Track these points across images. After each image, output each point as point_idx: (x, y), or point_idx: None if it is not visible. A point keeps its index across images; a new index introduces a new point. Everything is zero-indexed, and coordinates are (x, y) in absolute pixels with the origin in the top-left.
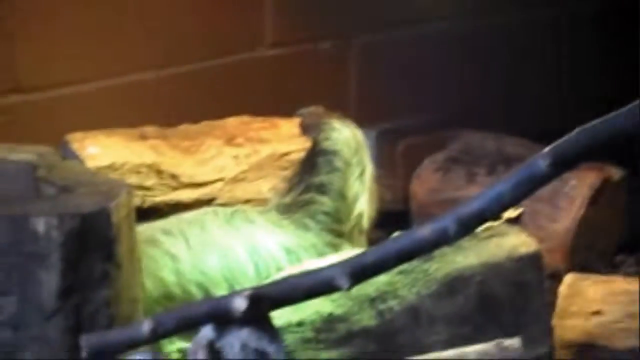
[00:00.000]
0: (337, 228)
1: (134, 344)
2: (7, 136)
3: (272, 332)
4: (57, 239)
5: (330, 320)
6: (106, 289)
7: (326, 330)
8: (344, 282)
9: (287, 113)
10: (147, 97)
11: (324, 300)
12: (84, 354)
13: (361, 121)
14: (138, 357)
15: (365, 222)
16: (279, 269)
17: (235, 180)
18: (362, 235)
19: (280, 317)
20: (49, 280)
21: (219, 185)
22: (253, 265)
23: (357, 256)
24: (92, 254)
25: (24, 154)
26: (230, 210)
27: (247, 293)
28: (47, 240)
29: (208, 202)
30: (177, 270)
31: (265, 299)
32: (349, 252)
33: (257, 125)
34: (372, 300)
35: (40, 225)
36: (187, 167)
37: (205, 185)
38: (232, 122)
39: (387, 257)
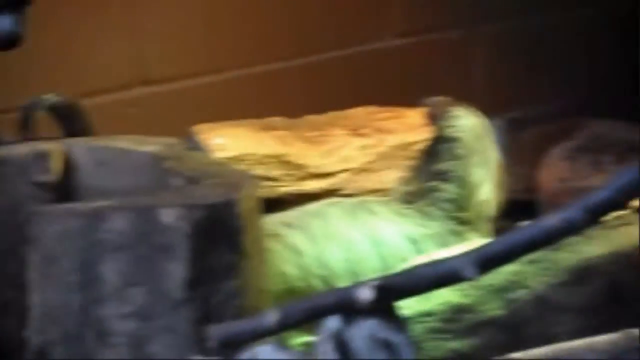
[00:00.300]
0: (460, 215)
1: (260, 335)
2: (135, 128)
3: (399, 323)
4: (184, 230)
5: (457, 310)
6: (233, 279)
7: (453, 321)
8: (471, 272)
9: (414, 103)
10: (275, 88)
11: (451, 290)
12: (211, 344)
13: (488, 110)
14: (262, 351)
15: (490, 210)
16: (404, 260)
17: (361, 170)
18: (486, 223)
19: (406, 307)
20: (177, 271)
21: (345, 175)
22: (377, 256)
23: (485, 246)
24: (219, 244)
25: (152, 145)
26: (352, 202)
27: (373, 283)
28: (175, 231)
29: (334, 192)
30: (300, 264)
31: (392, 289)
32: (475, 241)
33: (383, 115)
34: (500, 290)
35: (167, 216)
36: (313, 157)
37: (331, 176)
38: (358, 112)
39: (515, 247)
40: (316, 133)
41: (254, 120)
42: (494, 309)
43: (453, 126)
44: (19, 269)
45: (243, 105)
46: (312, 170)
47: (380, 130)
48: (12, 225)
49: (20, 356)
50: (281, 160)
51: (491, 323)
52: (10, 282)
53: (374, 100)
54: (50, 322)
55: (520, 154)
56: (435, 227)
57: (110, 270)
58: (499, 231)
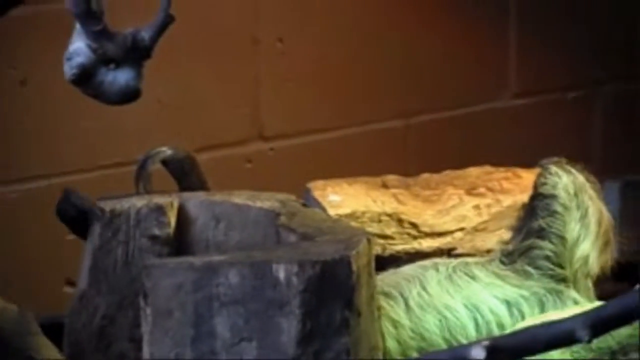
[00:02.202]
0: (558, 273)
1: None
2: (251, 183)
3: None
4: (297, 286)
5: None
6: (346, 336)
7: None
8: (584, 334)
9: (530, 164)
10: (390, 145)
11: (563, 352)
12: None
13: (605, 172)
14: None
15: (592, 268)
16: (500, 325)
17: (476, 230)
18: (587, 280)
19: None
20: (289, 327)
21: (459, 235)
22: (473, 323)
23: (599, 308)
24: (332, 301)
25: (266, 201)
26: (451, 265)
27: (485, 343)
28: (288, 287)
29: (448, 251)
30: (398, 336)
31: (504, 350)
32: (586, 304)
33: (498, 175)
34: (614, 353)
35: (281, 272)
36: (427, 216)
37: (446, 235)
38: (473, 171)
39: (629, 310)
40: (431, 192)
41: (369, 178)
42: None
43: (547, 183)
44: (133, 322)
45: (358, 162)
46: (427, 229)
47: (495, 190)
48: (127, 277)
49: None
50: (396, 218)
51: None
52: (125, 334)
53: (490, 160)
54: None
55: (637, 217)
56: (532, 286)
57: (223, 325)
58: (614, 294)
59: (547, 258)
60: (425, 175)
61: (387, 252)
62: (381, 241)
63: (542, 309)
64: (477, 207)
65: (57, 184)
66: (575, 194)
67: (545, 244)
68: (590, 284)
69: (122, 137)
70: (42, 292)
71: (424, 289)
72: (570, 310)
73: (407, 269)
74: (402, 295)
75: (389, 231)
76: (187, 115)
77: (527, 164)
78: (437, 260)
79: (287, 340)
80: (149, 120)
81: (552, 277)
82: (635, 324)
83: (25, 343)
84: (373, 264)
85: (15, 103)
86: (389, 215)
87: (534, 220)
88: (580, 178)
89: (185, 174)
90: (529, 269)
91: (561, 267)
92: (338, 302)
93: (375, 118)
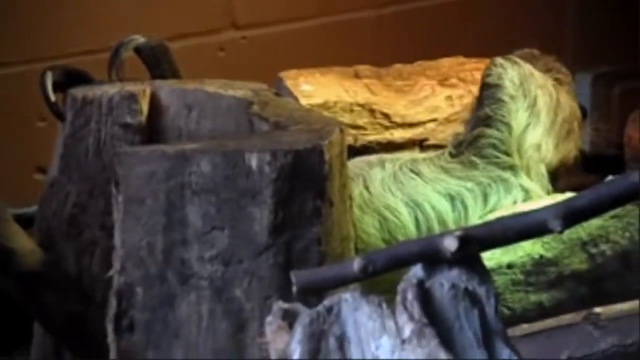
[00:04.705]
0: (505, 160)
1: (344, 282)
2: (223, 72)
3: (482, 274)
4: (269, 175)
5: (540, 263)
6: (317, 226)
7: (536, 273)
8: (556, 224)
9: (502, 54)
10: (364, 36)
11: (534, 243)
12: (294, 290)
13: (578, 64)
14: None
15: (545, 155)
16: (442, 222)
17: (448, 120)
18: (540, 168)
19: (490, 258)
20: (261, 216)
21: (431, 125)
22: (414, 221)
23: (570, 199)
24: (304, 191)
25: (239, 90)
26: (398, 162)
27: (458, 233)
28: (260, 176)
29: (420, 142)
30: None
31: (476, 240)
32: (561, 195)
33: (471, 66)
34: (584, 244)
35: (253, 160)
36: (400, 106)
37: (418, 126)
38: (446, 62)
39: (601, 201)
40: (403, 82)
41: (342, 68)
42: (578, 263)
43: (494, 74)
44: (105, 209)
45: (331, 52)
46: (399, 119)
47: (467, 81)
48: (99, 165)
49: (104, 296)
50: (368, 109)
51: (574, 277)
52: (96, 222)
53: (462, 51)
54: (133, 263)
55: (608, 109)
56: (477, 177)
57: (195, 213)
58: (585, 186)
59: (493, 146)
60: (398, 66)
61: (359, 143)
62: (353, 131)
63: (486, 200)
64: (449, 97)
65: (29, 70)
66: (521, 84)
67: (491, 131)
68: (544, 171)
69: (94, 25)
70: (12, 179)
71: (367, 188)
72: (542, 202)
73: (354, 165)
74: None
75: (360, 121)
76: (160, 3)
77: (501, 55)
78: (385, 156)
79: (258, 229)
80: (121, 8)
81: (497, 164)
82: (606, 215)
83: None
84: (345, 154)
85: None
86: (361, 105)
87: (481, 109)
88: (527, 69)
89: (157, 62)
90: (475, 159)
91: (507, 154)
92: (310, 191)
93: (348, 8)
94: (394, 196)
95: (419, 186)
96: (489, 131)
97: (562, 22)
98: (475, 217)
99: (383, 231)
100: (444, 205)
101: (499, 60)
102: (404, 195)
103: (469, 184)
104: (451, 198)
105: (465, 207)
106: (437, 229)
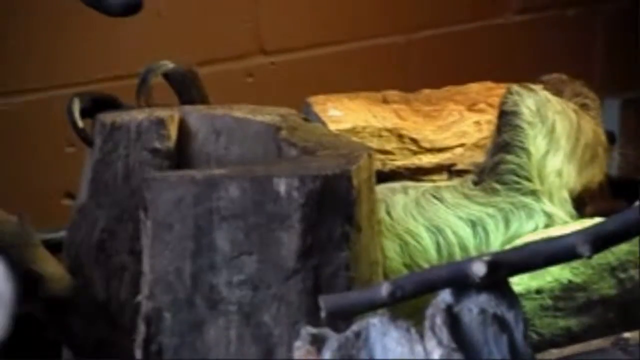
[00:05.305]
0: (525, 185)
1: (372, 307)
2: (251, 97)
3: (511, 299)
4: (297, 200)
5: (569, 288)
6: (345, 251)
7: (565, 299)
8: (585, 249)
9: (531, 80)
10: (392, 61)
11: (563, 268)
12: (322, 314)
13: (606, 89)
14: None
15: (568, 181)
16: (463, 247)
17: (476, 146)
18: (562, 193)
19: (518, 283)
20: (289, 241)
21: (459, 150)
22: (435, 246)
23: (599, 224)
24: (332, 216)
25: (267, 115)
26: (421, 189)
27: (486, 258)
28: (288, 201)
29: (449, 167)
30: None
31: (505, 265)
32: (588, 220)
33: (499, 92)
34: (613, 269)
35: (282, 186)
36: (428, 132)
37: (446, 151)
38: (474, 87)
39: (629, 226)
40: (432, 107)
41: (370, 93)
42: (607, 288)
43: (510, 101)
44: (133, 235)
45: (359, 77)
46: (427, 144)
47: (495, 106)
48: (127, 191)
49: (132, 321)
50: (396, 134)
51: (603, 302)
52: (125, 247)
53: (491, 76)
54: (162, 288)
55: (635, 134)
56: (499, 203)
57: (223, 238)
58: (612, 211)
59: (513, 172)
60: (426, 91)
61: (388, 168)
62: (381, 156)
63: (508, 225)
64: (477, 123)
65: (57, 96)
66: (538, 110)
67: (511, 157)
68: (567, 196)
69: (122, 50)
70: (41, 204)
71: (388, 213)
72: (569, 227)
73: (377, 191)
74: None
75: (389, 146)
76: (188, 28)
77: (529, 81)
78: (409, 183)
79: (287, 254)
80: (149, 33)
81: (518, 190)
82: (635, 240)
83: (25, 255)
84: (374, 179)
85: (14, 14)
86: (390, 130)
87: (499, 137)
88: (544, 95)
89: (186, 88)
90: (496, 185)
91: (528, 179)
92: (338, 216)
93: (377, 33)
94: (415, 221)
95: (440, 211)
96: (508, 157)
97: (591, 47)
98: (497, 243)
99: (404, 256)
100: (466, 231)
101: (515, 87)
102: (425, 220)
103: (491, 210)
104: (473, 224)
105: (487, 233)
106: (458, 254)
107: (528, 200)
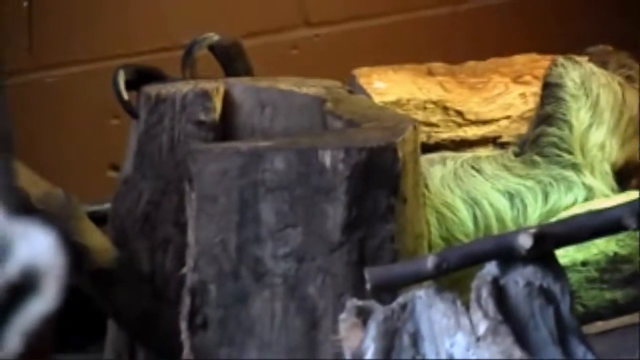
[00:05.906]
0: (567, 159)
1: (418, 279)
2: (296, 70)
3: (557, 271)
4: (343, 173)
5: (615, 261)
6: (391, 223)
7: (610, 271)
8: (631, 222)
9: (576, 52)
10: (437, 33)
11: (608, 241)
12: (367, 287)
13: None
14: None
15: (610, 155)
16: (500, 219)
17: (522, 118)
18: (604, 166)
19: (564, 256)
20: (334, 214)
21: (505, 123)
22: (472, 217)
23: None
24: (378, 188)
25: (312, 87)
26: (460, 159)
27: (532, 230)
28: (334, 174)
29: (494, 139)
30: None
31: (551, 237)
32: (634, 193)
33: (544, 64)
34: None
35: (327, 158)
36: (473, 104)
37: (491, 123)
38: (519, 59)
39: None
40: (477, 79)
41: (415, 65)
42: None
43: (555, 73)
44: (178, 206)
45: (405, 49)
46: (472, 116)
47: (541, 78)
48: (172, 162)
49: (177, 293)
50: (441, 106)
51: None
52: (170, 219)
53: (537, 48)
54: (207, 260)
55: None
56: (538, 175)
57: (268, 210)
58: None
59: (554, 144)
60: (471, 63)
61: (432, 140)
62: (426, 129)
63: (546, 198)
64: (523, 95)
65: (101, 68)
66: (583, 83)
67: (552, 130)
68: (608, 170)
69: (167, 22)
70: (86, 177)
71: (426, 186)
72: (616, 199)
73: None
74: None
75: (434, 119)
76: (232, 1)
77: (575, 53)
78: (447, 154)
79: (332, 226)
80: (194, 5)
81: (559, 163)
82: None
83: (71, 227)
84: (419, 152)
85: None
86: (435, 102)
87: (542, 108)
88: (589, 68)
89: (231, 60)
90: (537, 157)
91: (569, 152)
92: (384, 188)
93: (422, 4)
94: (452, 193)
95: (478, 183)
96: (550, 130)
97: (637, 19)
98: (535, 216)
99: (441, 228)
100: (503, 203)
101: (560, 59)
102: (462, 192)
103: (529, 182)
104: (510, 196)
105: (525, 205)
106: (495, 226)
107: (568, 173)
